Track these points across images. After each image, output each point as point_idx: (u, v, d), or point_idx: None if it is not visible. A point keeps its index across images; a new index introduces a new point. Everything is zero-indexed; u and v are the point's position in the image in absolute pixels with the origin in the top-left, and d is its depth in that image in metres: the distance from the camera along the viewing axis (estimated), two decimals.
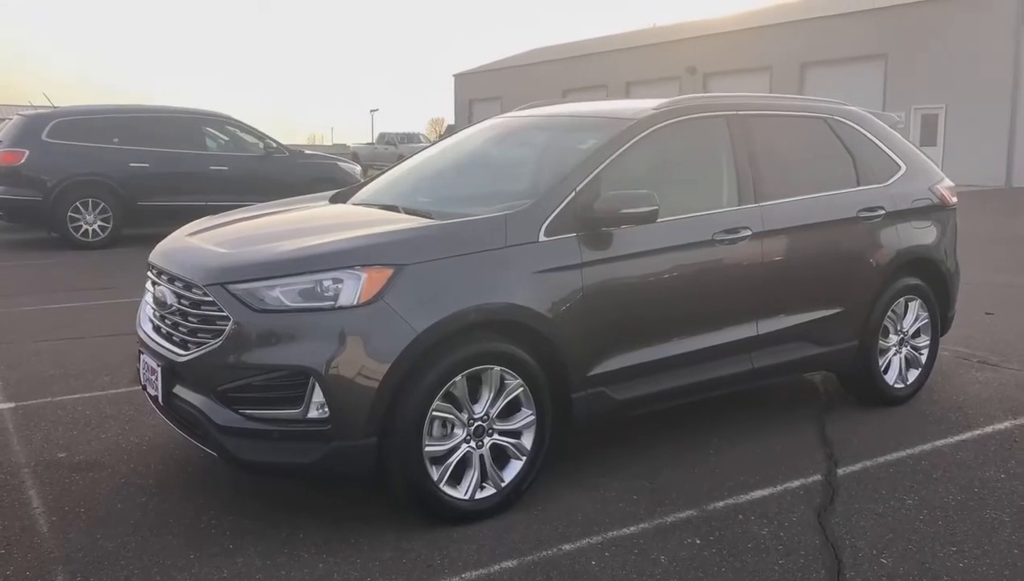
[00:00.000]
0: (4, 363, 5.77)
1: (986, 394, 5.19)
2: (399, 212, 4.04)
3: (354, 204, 4.50)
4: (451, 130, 38.05)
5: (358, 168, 14.30)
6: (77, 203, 11.44)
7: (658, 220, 3.78)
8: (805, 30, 31.26)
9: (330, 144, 66.55)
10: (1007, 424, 4.67)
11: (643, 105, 4.29)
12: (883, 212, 4.76)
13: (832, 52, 30.26)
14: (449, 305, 3.33)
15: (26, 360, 5.86)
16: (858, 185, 4.81)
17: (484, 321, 3.43)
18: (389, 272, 3.27)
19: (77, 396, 5.06)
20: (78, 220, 11.49)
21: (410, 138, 42.73)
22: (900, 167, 5.03)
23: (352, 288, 3.23)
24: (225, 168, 12.36)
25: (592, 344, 3.69)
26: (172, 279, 3.61)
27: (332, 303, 3.22)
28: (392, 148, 40.38)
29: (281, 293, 3.25)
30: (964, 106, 26.45)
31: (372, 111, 79.97)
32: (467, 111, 47.58)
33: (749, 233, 4.20)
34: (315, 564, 3.13)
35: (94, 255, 11.07)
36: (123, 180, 11.63)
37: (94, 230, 11.58)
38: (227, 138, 12.86)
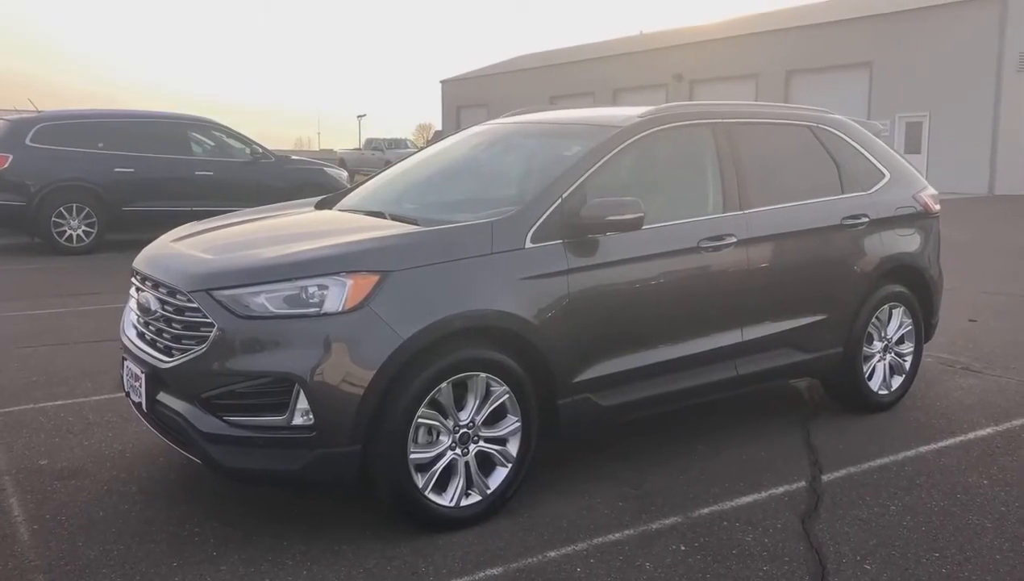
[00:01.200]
0: None
1: (969, 401, 5.22)
2: (385, 218, 4.03)
3: (340, 210, 4.49)
4: (438, 136, 38.05)
5: (344, 174, 14.30)
6: (61, 208, 11.37)
7: (644, 227, 3.79)
8: (791, 38, 31.48)
9: (317, 149, 66.37)
10: (990, 430, 4.70)
11: (629, 113, 4.31)
12: (867, 220, 4.79)
13: (818, 60, 30.47)
14: (435, 312, 3.32)
15: (8, 366, 5.81)
16: (842, 193, 4.84)
17: (470, 328, 3.43)
18: (375, 278, 3.27)
19: (60, 403, 5.02)
20: (62, 225, 11.42)
21: (397, 144, 42.67)
22: (884, 175, 5.06)
23: (337, 295, 3.22)
24: (211, 173, 12.31)
25: (578, 351, 3.69)
26: (156, 285, 3.59)
27: (317, 310, 3.21)
28: (379, 153, 40.33)
29: (266, 299, 3.24)
30: (948, 114, 26.70)
31: (359, 116, 79.91)
32: (455, 117, 47.63)
33: (734, 240, 4.22)
34: (299, 572, 3.12)
35: (78, 260, 11.01)
36: (108, 185, 11.57)
37: (78, 235, 11.51)
38: (213, 143, 12.82)
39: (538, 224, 3.63)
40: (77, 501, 3.69)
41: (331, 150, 50.11)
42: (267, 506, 3.64)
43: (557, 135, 4.64)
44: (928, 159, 27.04)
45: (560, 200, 3.71)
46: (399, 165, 5.10)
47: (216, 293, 3.28)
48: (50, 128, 11.55)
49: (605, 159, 3.95)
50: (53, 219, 11.34)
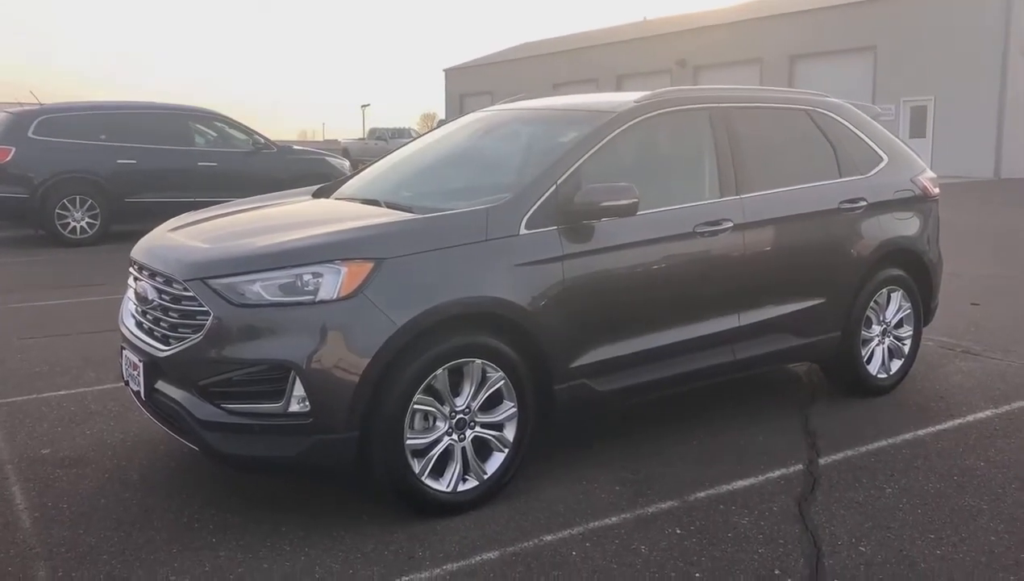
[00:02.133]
0: None
1: (969, 384, 5.22)
2: (381, 206, 4.04)
3: (337, 199, 4.50)
4: (442, 125, 37.97)
5: (347, 163, 14.27)
6: (64, 200, 11.40)
7: (639, 212, 3.79)
8: (795, 23, 31.30)
9: (321, 140, 66.31)
10: (988, 413, 4.70)
11: (624, 98, 4.30)
12: (864, 203, 4.79)
13: (822, 45, 30.31)
14: (430, 298, 3.33)
15: (12, 357, 5.85)
16: (840, 176, 4.83)
17: (465, 314, 3.44)
18: (369, 266, 3.28)
19: (63, 392, 5.06)
20: (66, 217, 11.46)
21: (401, 133, 42.65)
22: (882, 158, 5.05)
23: (332, 282, 3.24)
24: (213, 164, 12.32)
25: (574, 337, 3.70)
26: (153, 274, 3.61)
27: (312, 297, 3.23)
28: (383, 143, 40.26)
29: (261, 287, 3.25)
30: (953, 98, 26.54)
31: (363, 106, 79.61)
32: (458, 106, 47.52)
33: (730, 225, 4.22)
34: (297, 557, 3.14)
35: (82, 252, 11.04)
36: (110, 177, 11.60)
37: (82, 227, 11.55)
38: (215, 134, 12.83)
39: (532, 210, 3.64)
40: (78, 489, 3.72)
41: (336, 141, 50.09)
42: (265, 494, 3.67)
43: (553, 121, 4.64)
44: (933, 143, 26.92)
45: (555, 186, 3.72)
46: (396, 153, 5.11)
47: (211, 281, 3.30)
48: (52, 120, 11.58)
49: (600, 145, 3.95)
50: (57, 211, 11.37)
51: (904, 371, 5.11)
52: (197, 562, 3.11)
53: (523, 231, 3.60)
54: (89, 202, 11.54)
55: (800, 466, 3.97)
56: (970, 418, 4.62)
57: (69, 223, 11.49)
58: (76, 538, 3.28)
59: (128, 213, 11.74)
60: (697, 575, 3.04)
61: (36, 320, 7.03)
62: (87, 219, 11.57)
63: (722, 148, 4.36)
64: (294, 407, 3.19)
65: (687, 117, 4.41)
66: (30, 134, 11.34)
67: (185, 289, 3.36)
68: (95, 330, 6.54)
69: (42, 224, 11.55)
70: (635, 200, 3.71)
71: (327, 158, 13.81)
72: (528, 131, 4.72)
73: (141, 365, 3.53)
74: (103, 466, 3.97)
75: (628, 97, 4.31)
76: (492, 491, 3.54)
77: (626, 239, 3.87)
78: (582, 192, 3.70)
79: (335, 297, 3.22)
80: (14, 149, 11.22)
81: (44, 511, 3.51)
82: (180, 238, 3.82)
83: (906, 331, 5.10)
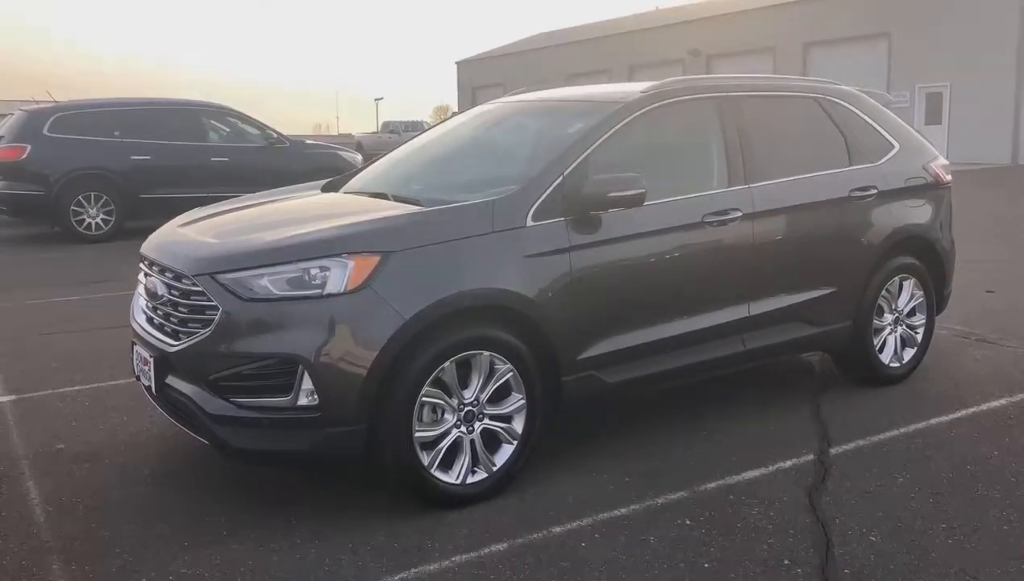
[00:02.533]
0: (7, 356, 5.82)
1: (983, 372, 5.18)
2: (388, 200, 4.05)
3: (345, 192, 4.51)
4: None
5: (359, 157, 14.29)
6: (80, 197, 11.49)
7: (647, 203, 3.78)
8: (808, 10, 31.02)
9: (335, 133, 66.52)
10: (1003, 402, 4.66)
11: (632, 88, 4.29)
12: (875, 191, 4.75)
13: (835, 32, 30.04)
14: (437, 291, 3.34)
15: (29, 353, 5.91)
16: (850, 165, 4.79)
17: (472, 307, 3.45)
18: (376, 259, 3.29)
19: (77, 388, 5.10)
20: (81, 214, 11.55)
21: (414, 126, 42.63)
22: (893, 146, 5.01)
23: (339, 276, 3.25)
24: (226, 159, 12.38)
25: (582, 328, 3.70)
26: (163, 270, 3.63)
27: (320, 291, 3.24)
28: (396, 136, 40.26)
29: (269, 282, 3.27)
30: (969, 84, 26.24)
31: (377, 99, 79.46)
32: (470, 98, 47.44)
33: (739, 214, 4.20)
34: (307, 550, 3.16)
35: (97, 248, 11.12)
36: (125, 173, 11.67)
37: (97, 223, 11.64)
38: (228, 129, 12.87)
39: (539, 202, 3.63)
40: (92, 484, 3.76)
41: (350, 134, 50.17)
42: (277, 488, 3.69)
43: (561, 112, 4.62)
44: (949, 129, 26.64)
45: (561, 177, 3.71)
46: (404, 146, 5.11)
47: (220, 276, 3.31)
48: (67, 118, 11.66)
49: (607, 135, 3.94)
50: (72, 208, 11.46)
51: (917, 360, 5.07)
52: (208, 556, 3.13)
53: (530, 223, 3.60)
54: (104, 198, 11.62)
55: (811, 456, 3.96)
56: (984, 407, 4.59)
57: (84, 219, 11.58)
58: (89, 532, 3.31)
59: (142, 209, 11.80)
60: (706, 565, 3.04)
61: (52, 316, 7.09)
62: (102, 215, 11.66)
63: (730, 137, 4.33)
64: (303, 400, 3.21)
65: (695, 107, 4.39)
66: (45, 132, 11.44)
67: (194, 284, 3.38)
68: (110, 326, 6.58)
69: (57, 221, 11.65)
70: (642, 190, 3.70)
71: (340, 152, 13.83)
72: (535, 123, 4.71)
73: (152, 360, 3.56)
74: (116, 461, 4.01)
75: (635, 87, 4.29)
76: (501, 483, 3.55)
77: (634, 230, 3.86)
78: (589, 183, 3.69)
79: (343, 290, 3.24)
80: (30, 147, 11.32)
81: (58, 505, 3.55)
82: (189, 234, 3.84)
83: (919, 320, 5.07)
